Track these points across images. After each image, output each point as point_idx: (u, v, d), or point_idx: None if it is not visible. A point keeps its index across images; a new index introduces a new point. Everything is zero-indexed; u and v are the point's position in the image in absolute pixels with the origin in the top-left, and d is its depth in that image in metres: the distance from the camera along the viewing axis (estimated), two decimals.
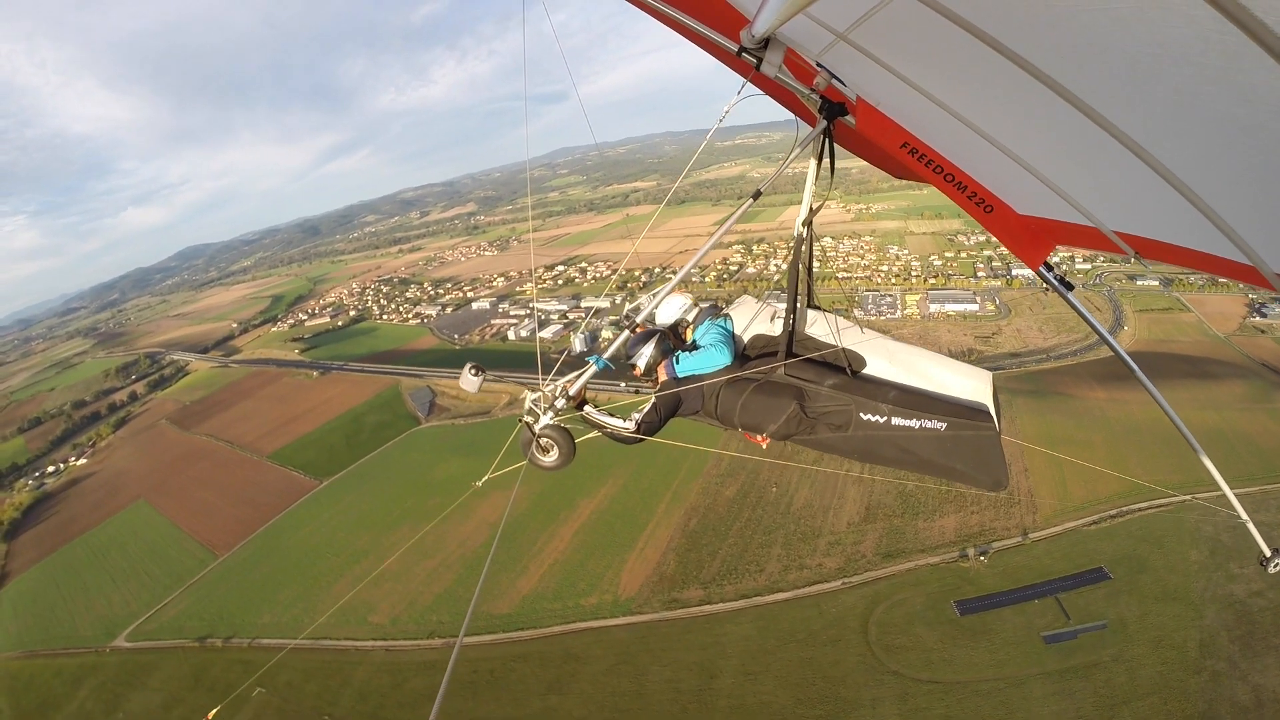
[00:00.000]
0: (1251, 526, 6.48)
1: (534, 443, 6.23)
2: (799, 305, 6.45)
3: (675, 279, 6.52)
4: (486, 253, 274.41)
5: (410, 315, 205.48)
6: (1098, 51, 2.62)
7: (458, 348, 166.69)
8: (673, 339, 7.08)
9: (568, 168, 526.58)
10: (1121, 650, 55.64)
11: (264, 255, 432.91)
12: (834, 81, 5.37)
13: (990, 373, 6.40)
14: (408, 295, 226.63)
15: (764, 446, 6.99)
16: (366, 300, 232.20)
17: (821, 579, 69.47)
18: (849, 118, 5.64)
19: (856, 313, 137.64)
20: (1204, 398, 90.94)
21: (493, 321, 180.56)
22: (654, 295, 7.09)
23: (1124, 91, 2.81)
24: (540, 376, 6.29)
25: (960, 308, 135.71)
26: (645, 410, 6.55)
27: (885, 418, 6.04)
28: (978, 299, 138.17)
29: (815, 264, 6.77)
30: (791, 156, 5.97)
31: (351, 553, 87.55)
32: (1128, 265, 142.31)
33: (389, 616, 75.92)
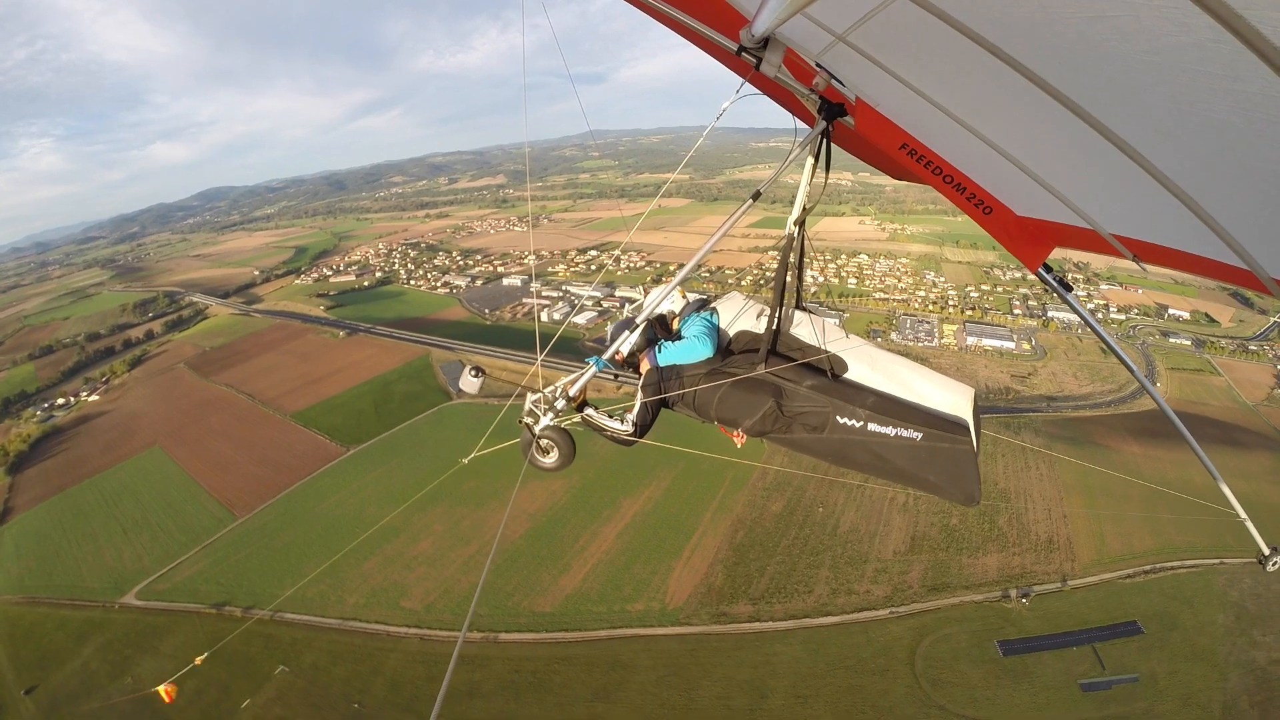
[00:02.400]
0: (1250, 525, 6.25)
1: (534, 444, 6.01)
2: (784, 304, 6.09)
3: (676, 279, 6.27)
4: (516, 228, 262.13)
5: (439, 283, 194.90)
6: (1094, 58, 2.55)
7: (489, 323, 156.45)
8: (659, 329, 6.71)
9: (600, 150, 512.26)
10: (1152, 705, 54.87)
11: (288, 204, 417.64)
12: (833, 82, 5.15)
13: (973, 389, 6.03)
14: (436, 262, 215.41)
15: (739, 444, 6.59)
16: (393, 263, 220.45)
17: (869, 606, 66.20)
18: (848, 118, 5.48)
19: (894, 336, 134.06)
20: (1234, 465, 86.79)
21: (524, 300, 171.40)
22: (655, 292, 6.93)
23: (1120, 98, 2.74)
24: (540, 372, 6.16)
25: (997, 343, 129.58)
26: (636, 410, 6.21)
27: (862, 423, 5.72)
28: (1014, 337, 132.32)
29: (809, 267, 7.96)
30: (791, 157, 5.72)
31: (382, 530, 79.65)
32: (1161, 321, 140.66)
33: (423, 602, 69.43)
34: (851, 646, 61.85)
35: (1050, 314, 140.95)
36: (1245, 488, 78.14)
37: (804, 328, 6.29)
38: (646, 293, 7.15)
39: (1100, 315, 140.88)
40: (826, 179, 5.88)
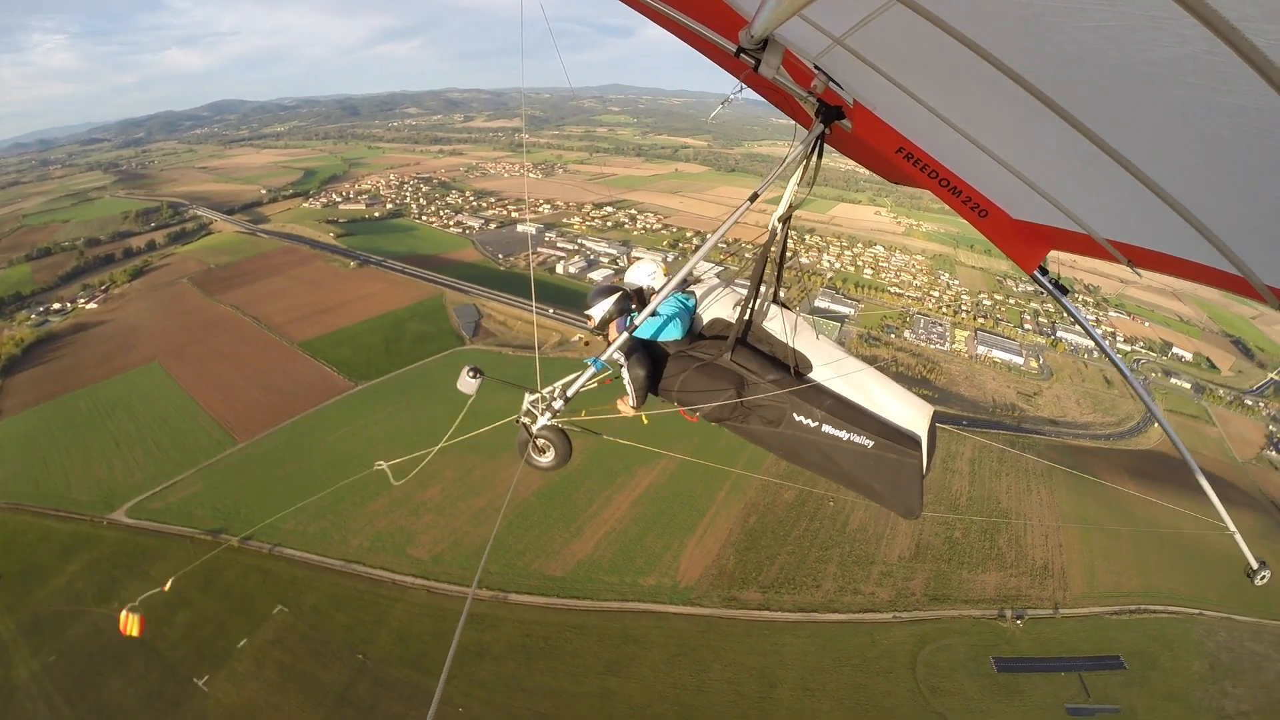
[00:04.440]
0: (1239, 538, 6.24)
1: (530, 443, 5.96)
2: (759, 298, 6.10)
3: (675, 279, 5.64)
4: (531, 174, 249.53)
5: (451, 222, 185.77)
6: (1089, 67, 2.53)
7: (503, 269, 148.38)
8: (637, 303, 6.62)
9: (619, 106, 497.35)
10: None
11: (299, 125, 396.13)
12: (831, 85, 5.03)
13: (932, 408, 6.07)
14: (448, 200, 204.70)
15: (694, 424, 6.57)
16: (404, 196, 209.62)
17: (874, 608, 64.90)
18: (845, 121, 5.35)
19: (907, 334, 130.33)
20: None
21: (539, 249, 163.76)
22: (637, 267, 7.01)
23: (1115, 108, 2.71)
24: (539, 379, 6.09)
25: (1006, 357, 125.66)
26: (628, 381, 6.01)
27: (817, 423, 5.73)
28: (1024, 352, 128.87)
29: (795, 264, 7.11)
30: (789, 159, 5.51)
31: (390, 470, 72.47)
32: (1164, 359, 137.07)
33: (430, 552, 65.21)
34: (857, 646, 60.65)
35: (1060, 334, 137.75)
36: (1227, 544, 77.20)
37: (776, 323, 6.17)
38: (630, 263, 7.09)
39: (1109, 342, 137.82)
40: (814, 181, 5.66)
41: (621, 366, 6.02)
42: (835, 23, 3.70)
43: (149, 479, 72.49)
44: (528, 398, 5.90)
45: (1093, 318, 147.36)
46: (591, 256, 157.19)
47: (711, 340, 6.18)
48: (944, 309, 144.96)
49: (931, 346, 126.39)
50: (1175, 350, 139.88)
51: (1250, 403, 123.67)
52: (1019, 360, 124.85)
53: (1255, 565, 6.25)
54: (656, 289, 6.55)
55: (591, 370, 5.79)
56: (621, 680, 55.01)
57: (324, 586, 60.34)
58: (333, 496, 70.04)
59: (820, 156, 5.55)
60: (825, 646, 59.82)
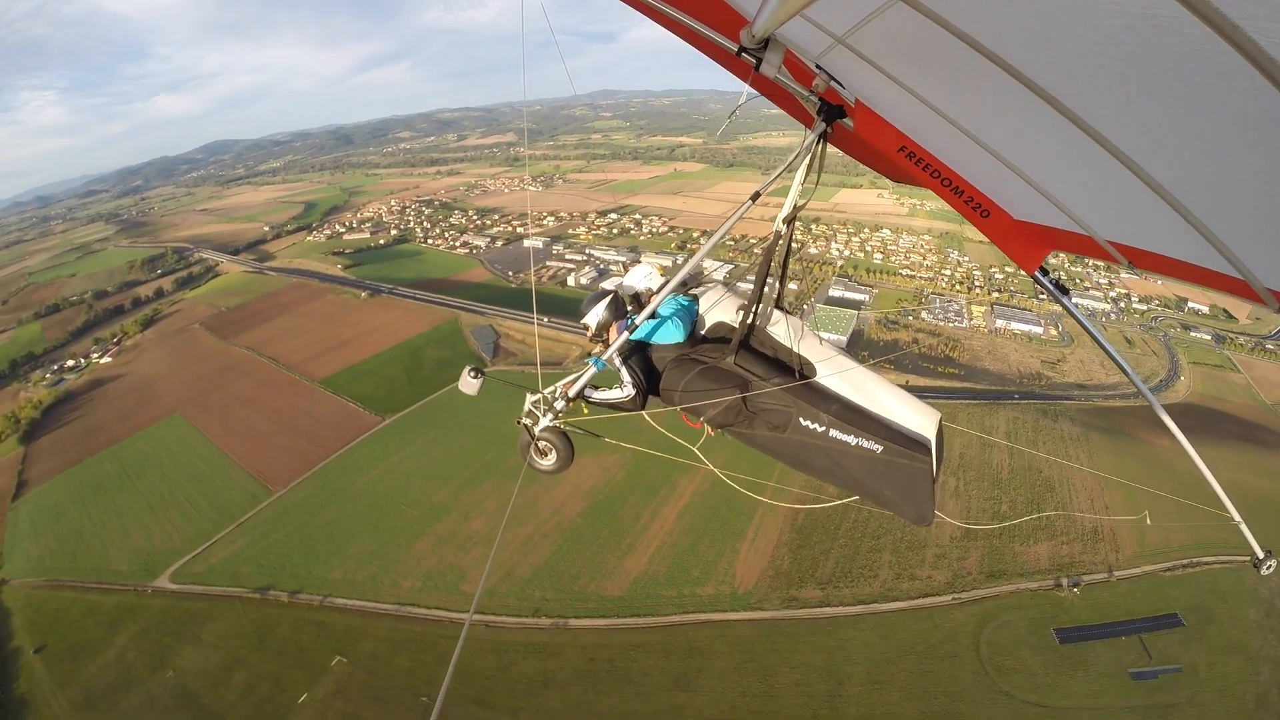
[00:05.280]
0: (1244, 527, 5.90)
1: (532, 445, 5.69)
2: (762, 300, 5.78)
3: (674, 281, 5.53)
4: (531, 187, 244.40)
5: (457, 243, 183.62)
6: (1090, 66, 2.52)
7: (514, 286, 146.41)
8: (634, 306, 6.41)
9: (610, 111, 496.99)
10: (1193, 694, 54.74)
11: (294, 159, 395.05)
12: (833, 84, 4.90)
13: (939, 414, 5.82)
14: (452, 221, 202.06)
15: (707, 432, 6.19)
16: (408, 220, 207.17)
17: (932, 591, 63.77)
18: (847, 120, 5.19)
19: (925, 315, 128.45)
20: (1257, 464, 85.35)
21: (548, 263, 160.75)
22: (635, 270, 6.84)
23: (1116, 106, 2.69)
24: (539, 380, 5.86)
25: (1025, 328, 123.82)
26: (625, 373, 5.81)
27: (824, 428, 5.44)
28: (1042, 322, 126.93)
29: (796, 264, 6.45)
30: (793, 158, 5.38)
31: (430, 507, 73.42)
32: (1181, 314, 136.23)
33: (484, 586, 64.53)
34: (920, 632, 59.82)
35: (1075, 300, 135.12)
36: (1268, 486, 78.92)
37: (780, 327, 5.92)
38: (627, 270, 6.83)
39: (1123, 304, 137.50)
40: (818, 180, 5.45)
41: (619, 369, 5.82)
42: (837, 22, 3.64)
43: (188, 541, 70.63)
44: (529, 399, 5.66)
45: (1106, 280, 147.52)
46: (601, 266, 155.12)
47: (714, 343, 5.96)
48: (957, 286, 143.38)
49: (950, 325, 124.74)
50: (1191, 305, 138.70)
51: (1272, 347, 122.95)
52: (1039, 330, 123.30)
53: (1261, 555, 5.88)
54: (655, 290, 6.38)
55: (593, 370, 5.62)
56: (690, 694, 54.01)
57: (380, 632, 58.75)
58: (375, 538, 68.65)
59: (823, 155, 5.41)
60: (888, 636, 59.06)
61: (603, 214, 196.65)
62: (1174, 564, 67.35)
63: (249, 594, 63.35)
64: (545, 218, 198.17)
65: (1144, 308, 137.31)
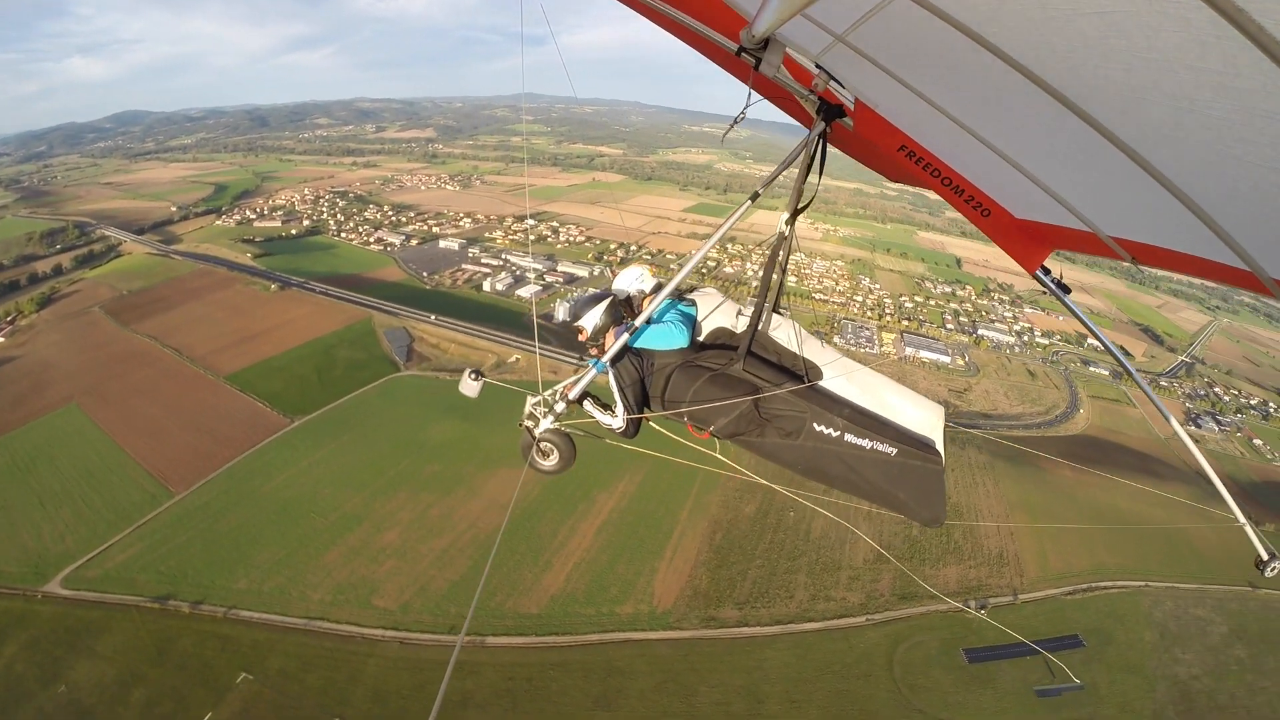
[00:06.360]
0: (1249, 530, 5.89)
1: (534, 447, 5.92)
2: (767, 304, 5.98)
3: (672, 283, 5.77)
4: (448, 186, 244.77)
5: (371, 239, 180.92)
6: (1093, 56, 2.51)
7: (429, 287, 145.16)
8: (626, 310, 6.47)
9: (532, 115, 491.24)
10: (1095, 711, 58.95)
11: (206, 136, 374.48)
12: (832, 83, 5.00)
13: (942, 407, 6.04)
14: (366, 215, 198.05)
15: (705, 440, 6.28)
16: (321, 211, 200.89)
17: (847, 613, 66.77)
18: (847, 120, 5.40)
19: (836, 340, 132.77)
20: (1152, 495, 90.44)
21: (464, 266, 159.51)
22: (628, 272, 6.94)
23: (1120, 97, 2.68)
24: (540, 382, 6.01)
25: (934, 356, 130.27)
26: (619, 409, 5.98)
27: (839, 432, 5.61)
28: (950, 351, 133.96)
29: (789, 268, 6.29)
30: (790, 158, 5.62)
31: (341, 516, 71.59)
32: (1081, 349, 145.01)
33: (397, 601, 62.59)
34: (836, 652, 62.21)
35: (980, 332, 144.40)
36: (1163, 515, 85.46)
37: (781, 331, 6.10)
38: (615, 274, 6.89)
39: (1027, 338, 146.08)
40: (820, 180, 5.58)
41: (609, 375, 5.99)
42: (837, 20, 3.72)
43: (82, 543, 66.80)
44: (530, 400, 5.90)
45: (1010, 314, 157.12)
46: (518, 272, 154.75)
47: (717, 350, 6.04)
48: (868, 313, 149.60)
49: (862, 350, 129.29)
50: (1091, 341, 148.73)
51: (1165, 384, 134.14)
52: (946, 359, 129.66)
53: (1265, 556, 5.91)
54: (647, 292, 6.62)
55: (593, 373, 5.86)
56: (611, 715, 54.69)
57: (289, 648, 57.14)
58: (283, 547, 66.82)
59: (824, 157, 5.55)
60: (805, 656, 61.20)
61: (520, 219, 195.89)
62: (1075, 588, 72.27)
63: (148, 603, 60.53)
64: (462, 219, 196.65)
65: (1046, 342, 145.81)
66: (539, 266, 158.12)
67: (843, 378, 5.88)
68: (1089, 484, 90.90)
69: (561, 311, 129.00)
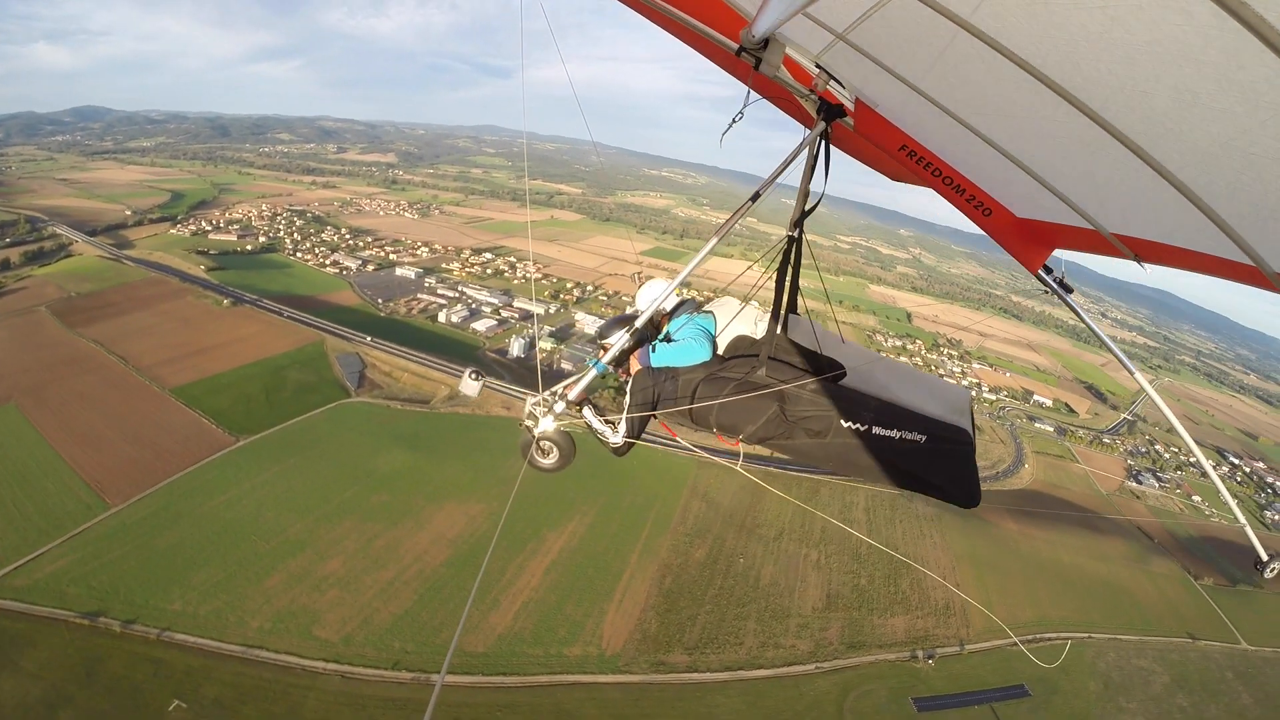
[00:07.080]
0: (1249, 530, 5.71)
1: (534, 446, 6.12)
2: (783, 308, 5.97)
3: (674, 281, 6.18)
4: (406, 214, 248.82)
5: (327, 261, 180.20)
6: (1095, 49, 2.54)
7: (383, 315, 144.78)
8: (651, 329, 6.63)
9: (494, 148, 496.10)
10: None
11: (166, 141, 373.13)
12: (832, 83, 5.11)
13: (969, 393, 6.32)
14: (323, 237, 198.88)
15: (739, 451, 6.36)
16: (278, 228, 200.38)
17: (796, 660, 67.85)
18: (847, 120, 5.50)
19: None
20: (1094, 548, 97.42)
21: (419, 295, 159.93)
22: (650, 287, 7.11)
23: (1123, 91, 2.71)
24: (540, 381, 6.24)
25: None
26: (624, 420, 6.25)
27: (867, 426, 5.65)
28: None
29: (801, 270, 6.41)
30: (790, 158, 5.64)
31: (284, 541, 69.92)
32: (1027, 405, 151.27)
33: (339, 633, 60.97)
34: (786, 700, 62.90)
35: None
36: (1104, 569, 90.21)
37: (801, 332, 6.25)
38: (640, 284, 7.16)
39: (974, 393, 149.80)
40: (826, 181, 5.73)
41: (624, 407, 6.20)
42: (838, 18, 3.79)
43: (10, 550, 63.89)
44: (530, 400, 6.08)
45: (959, 369, 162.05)
46: (474, 305, 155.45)
47: (738, 359, 6.11)
48: None
49: None
50: (1036, 398, 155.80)
51: (1108, 441, 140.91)
52: None
53: (1265, 557, 5.83)
54: (668, 312, 6.85)
55: (593, 373, 6.08)
56: None
57: (225, 676, 55.05)
58: (223, 569, 65.00)
59: (828, 157, 5.67)
60: (755, 704, 61.67)
61: (478, 252, 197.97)
62: (1023, 638, 74.15)
63: (77, 618, 57.88)
64: (420, 248, 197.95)
65: (993, 397, 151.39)
66: (494, 300, 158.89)
67: (865, 371, 6.00)
68: (1033, 536, 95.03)
69: (516, 348, 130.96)
